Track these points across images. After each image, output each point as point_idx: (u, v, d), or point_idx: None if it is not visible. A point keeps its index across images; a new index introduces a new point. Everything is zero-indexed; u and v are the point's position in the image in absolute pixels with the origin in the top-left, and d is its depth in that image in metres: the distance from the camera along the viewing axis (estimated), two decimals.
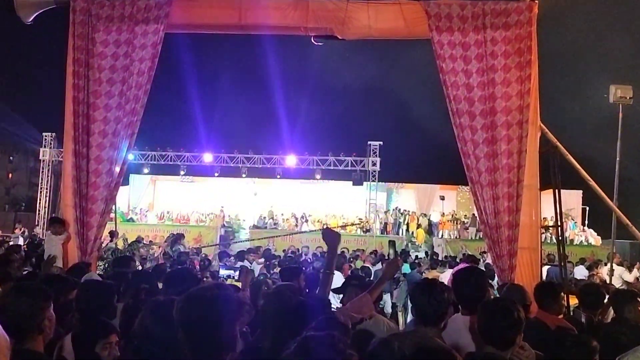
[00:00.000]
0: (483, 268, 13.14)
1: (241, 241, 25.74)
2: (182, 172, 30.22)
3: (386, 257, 16.27)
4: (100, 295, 4.10)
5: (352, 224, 29.39)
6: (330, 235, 4.43)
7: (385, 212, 30.44)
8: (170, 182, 33.76)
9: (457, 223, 29.28)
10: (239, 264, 12.21)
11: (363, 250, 20.65)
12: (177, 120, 31.02)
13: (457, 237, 28.55)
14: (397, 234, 28.95)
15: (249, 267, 11.66)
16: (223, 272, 6.14)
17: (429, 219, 29.88)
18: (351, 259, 15.83)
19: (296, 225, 29.77)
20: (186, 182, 33.26)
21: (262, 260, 12.77)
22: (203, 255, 15.25)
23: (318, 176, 29.56)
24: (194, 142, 29.84)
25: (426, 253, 23.05)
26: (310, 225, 29.35)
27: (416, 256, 20.27)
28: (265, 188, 32.52)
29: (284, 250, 19.03)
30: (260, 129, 31.46)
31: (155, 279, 5.33)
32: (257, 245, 18.98)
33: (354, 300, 4.34)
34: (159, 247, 15.35)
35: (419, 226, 29.64)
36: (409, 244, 27.63)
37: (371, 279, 9.82)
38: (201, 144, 29.49)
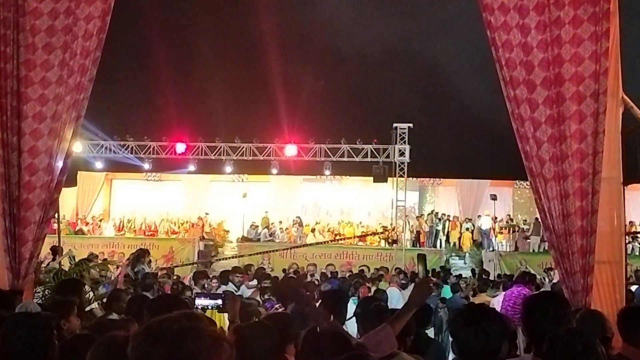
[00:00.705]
0: (548, 289, 13.09)
1: (226, 258, 25.81)
2: (146, 168, 30.30)
3: (417, 277, 16.18)
4: (35, 333, 4.07)
5: (374, 234, 29.40)
6: (422, 291, 4.53)
7: (418, 218, 30.47)
8: (131, 181, 33.97)
9: (514, 231, 29.26)
10: (223, 288, 12.22)
11: (387, 268, 20.62)
12: (140, 99, 31.12)
13: (515, 249, 28.50)
14: (434, 246, 28.99)
15: (236, 292, 11.69)
16: (201, 303, 6.13)
17: (476, 226, 29.82)
18: (372, 280, 15.77)
19: (299, 237, 29.80)
20: (152, 180, 33.43)
21: (254, 282, 12.77)
22: (175, 278, 15.31)
23: (327, 171, 29.61)
24: (162, 127, 30.00)
25: (473, 271, 23.00)
26: (317, 236, 29.39)
27: (459, 275, 20.24)
28: (257, 188, 32.62)
29: (283, 270, 19.04)
30: (249, 110, 31.48)
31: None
32: (247, 264, 19.02)
33: (370, 334, 4.32)
34: (117, 268, 15.39)
35: (462, 235, 29.59)
36: (450, 260, 27.62)
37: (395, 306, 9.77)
38: (172, 131, 29.61)
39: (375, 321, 4.64)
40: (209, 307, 6.06)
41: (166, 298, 6.07)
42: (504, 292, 11.44)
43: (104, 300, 8.87)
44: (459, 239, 29.62)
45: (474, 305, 3.93)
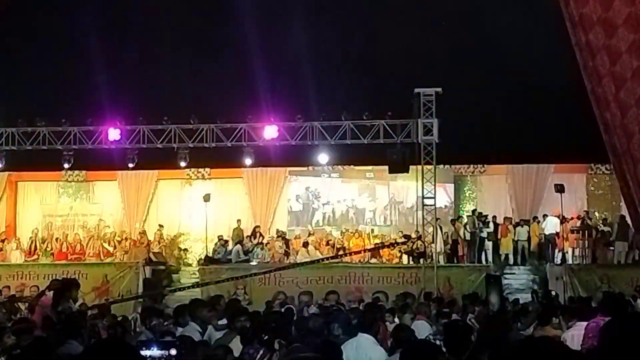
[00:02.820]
0: None
1: (184, 288, 25.61)
2: (65, 166, 30.15)
3: (479, 308, 16.12)
4: None
5: (393, 246, 29.28)
6: None
7: (454, 222, 30.36)
8: (44, 183, 33.80)
9: (590, 235, 29.17)
10: (180, 331, 12.11)
11: (413, 295, 20.51)
12: (54, 70, 30.96)
13: (593, 260, 28.45)
14: (478, 260, 29.01)
15: (198, 336, 11.58)
16: (148, 354, 6.06)
17: (536, 230, 29.77)
18: (393, 312, 15.68)
19: (286, 253, 29.72)
20: (75, 182, 33.29)
21: (224, 322, 12.68)
22: (111, 319, 15.22)
23: (324, 159, 29.49)
24: (87, 107, 29.78)
25: (535, 294, 22.92)
26: (312, 252, 29.31)
27: (515, 301, 20.15)
28: (225, 187, 32.53)
29: (267, 303, 18.91)
30: (210, 79, 31.34)
31: None
32: (214, 295, 18.86)
33: None
34: (31, 306, 15.28)
35: (517, 244, 29.55)
36: (501, 279, 27.60)
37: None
38: (100, 111, 29.44)
39: None
40: (161, 358, 5.98)
41: (105, 346, 5.92)
42: (581, 324, 11.34)
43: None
44: (514, 249, 29.54)
45: (536, 341, 3.93)
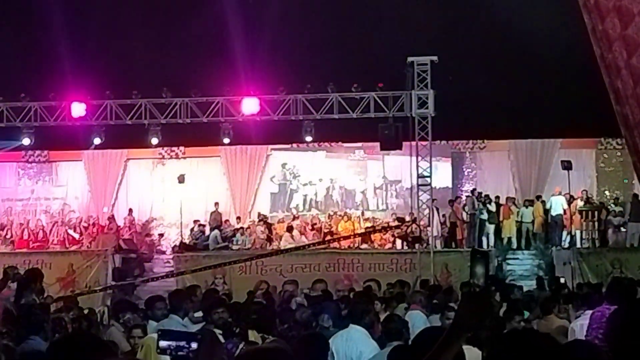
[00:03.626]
0: None
1: (157, 278, 25.62)
2: (25, 143, 30.07)
3: (471, 283, 16.02)
4: None
5: (385, 230, 29.34)
6: (477, 306, 4.47)
7: (452, 202, 30.42)
8: (3, 165, 33.70)
9: (600, 216, 29.26)
10: (153, 325, 12.11)
11: (408, 283, 20.57)
12: (12, 40, 30.77)
13: (602, 243, 28.53)
14: (479, 245, 29.00)
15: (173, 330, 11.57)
16: (166, 344, 6.08)
17: (541, 211, 29.86)
18: (385, 301, 15.72)
19: (269, 238, 29.74)
20: (37, 162, 33.25)
21: (199, 314, 12.68)
22: (77, 312, 15.22)
23: (309, 136, 29.56)
24: (48, 80, 29.69)
25: (539, 280, 23.03)
26: (297, 237, 29.35)
27: (518, 287, 20.20)
28: (201, 167, 32.56)
29: (249, 294, 18.96)
30: (183, 47, 31.23)
31: None
32: (190, 285, 18.90)
33: None
34: None
35: (521, 226, 29.64)
36: (504, 265, 27.71)
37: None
38: (63, 84, 29.35)
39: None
40: (176, 352, 6.00)
41: (71, 340, 5.89)
42: (589, 312, 11.38)
43: None
44: (517, 231, 29.66)
45: (537, 334, 3.89)
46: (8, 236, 31.00)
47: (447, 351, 4.38)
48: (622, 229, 28.64)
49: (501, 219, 29.87)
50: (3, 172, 33.89)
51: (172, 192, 31.20)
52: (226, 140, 29.88)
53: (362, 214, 31.40)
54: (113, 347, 6.64)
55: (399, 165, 31.46)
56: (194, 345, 5.89)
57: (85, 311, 15.91)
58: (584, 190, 30.18)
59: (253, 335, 10.74)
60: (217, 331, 10.96)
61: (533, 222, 29.77)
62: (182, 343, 5.93)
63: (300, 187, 32.75)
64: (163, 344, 5.96)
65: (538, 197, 30.34)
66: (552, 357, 3.85)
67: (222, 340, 10.42)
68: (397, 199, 32.34)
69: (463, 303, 4.79)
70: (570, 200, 29.24)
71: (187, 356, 5.90)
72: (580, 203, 29.40)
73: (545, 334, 4.06)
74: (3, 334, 10.25)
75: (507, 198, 30.56)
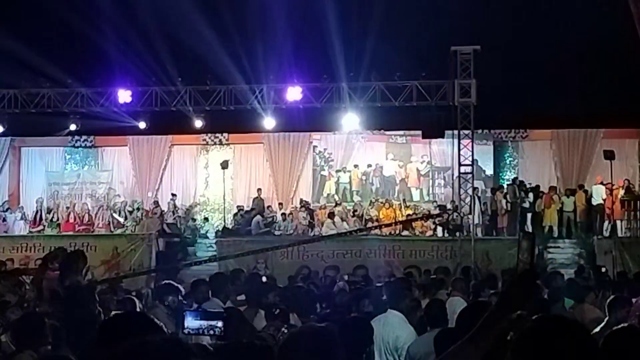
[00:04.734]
0: None
1: (200, 262, 25.72)
2: (72, 128, 30.36)
3: (518, 260, 16.04)
4: None
5: (426, 218, 29.33)
6: (524, 286, 4.45)
7: (494, 191, 30.35)
8: (50, 149, 34.01)
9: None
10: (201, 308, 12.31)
11: (448, 269, 20.65)
12: (59, 28, 31.01)
13: None
14: (521, 232, 28.85)
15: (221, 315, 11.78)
16: (191, 325, 6.28)
17: (583, 200, 29.75)
18: (425, 288, 15.82)
19: (311, 224, 29.86)
20: (83, 147, 33.52)
21: (242, 297, 12.86)
22: (124, 295, 15.45)
23: (352, 123, 29.58)
24: (96, 67, 29.92)
25: (580, 269, 22.97)
26: (339, 223, 29.43)
27: (559, 274, 20.21)
28: (244, 153, 32.68)
29: (290, 278, 19.17)
30: (229, 35, 31.32)
31: None
32: (233, 269, 19.04)
33: (444, 356, 4.41)
34: (36, 279, 15.51)
35: (563, 215, 29.55)
36: (545, 253, 27.64)
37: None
38: (110, 71, 29.55)
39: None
40: (204, 332, 6.18)
41: (123, 319, 6.06)
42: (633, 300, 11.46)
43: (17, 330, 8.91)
44: (559, 220, 29.58)
45: (574, 324, 3.97)
46: (54, 219, 31.35)
47: (490, 330, 4.47)
48: None
49: (542, 207, 29.78)
50: (50, 156, 34.28)
51: (215, 178, 31.41)
52: (269, 127, 29.99)
53: (404, 201, 31.45)
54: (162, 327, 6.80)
55: (439, 152, 31.54)
56: (220, 323, 6.07)
57: (133, 294, 16.11)
58: (626, 179, 30.05)
59: (293, 319, 10.92)
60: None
61: (574, 210, 29.70)
62: (208, 322, 6.12)
63: (342, 175, 32.79)
64: (188, 324, 6.16)
65: (580, 187, 30.22)
66: (582, 345, 3.87)
67: (265, 323, 10.61)
68: (446, 188, 32.34)
69: (511, 284, 4.80)
70: (612, 189, 29.12)
71: (215, 334, 6.09)
72: (621, 192, 29.33)
73: (575, 321, 4.08)
74: (49, 315, 10.40)
75: (550, 187, 30.45)
